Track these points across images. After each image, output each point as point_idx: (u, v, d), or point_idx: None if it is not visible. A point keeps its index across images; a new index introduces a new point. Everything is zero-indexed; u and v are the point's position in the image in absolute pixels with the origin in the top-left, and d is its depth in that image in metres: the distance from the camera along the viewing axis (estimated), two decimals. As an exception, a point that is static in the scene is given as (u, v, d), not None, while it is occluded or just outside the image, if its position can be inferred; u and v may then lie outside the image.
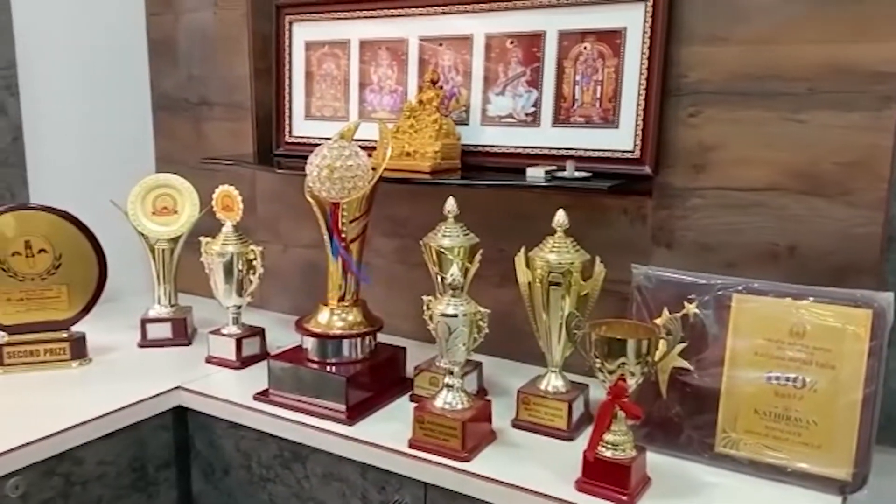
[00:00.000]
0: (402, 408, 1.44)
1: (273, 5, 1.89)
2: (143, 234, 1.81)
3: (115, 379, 1.59)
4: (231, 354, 1.67)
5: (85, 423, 1.39)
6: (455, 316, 1.25)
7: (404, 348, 1.59)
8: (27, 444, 1.30)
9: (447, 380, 1.31)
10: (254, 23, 1.92)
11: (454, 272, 1.27)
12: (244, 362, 1.67)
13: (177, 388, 1.55)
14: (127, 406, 1.46)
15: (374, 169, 1.44)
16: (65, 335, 1.64)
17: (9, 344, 1.61)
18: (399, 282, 1.81)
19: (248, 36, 1.92)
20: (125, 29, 2.12)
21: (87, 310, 1.67)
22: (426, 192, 1.60)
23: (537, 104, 1.57)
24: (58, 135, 1.96)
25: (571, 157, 1.49)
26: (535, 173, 1.46)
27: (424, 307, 1.31)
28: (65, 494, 1.38)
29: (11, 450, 1.28)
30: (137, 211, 1.81)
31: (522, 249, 1.37)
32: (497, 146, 1.62)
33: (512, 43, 1.59)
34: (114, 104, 2.10)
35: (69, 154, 1.99)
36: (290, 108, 1.91)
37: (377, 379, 1.49)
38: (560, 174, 1.46)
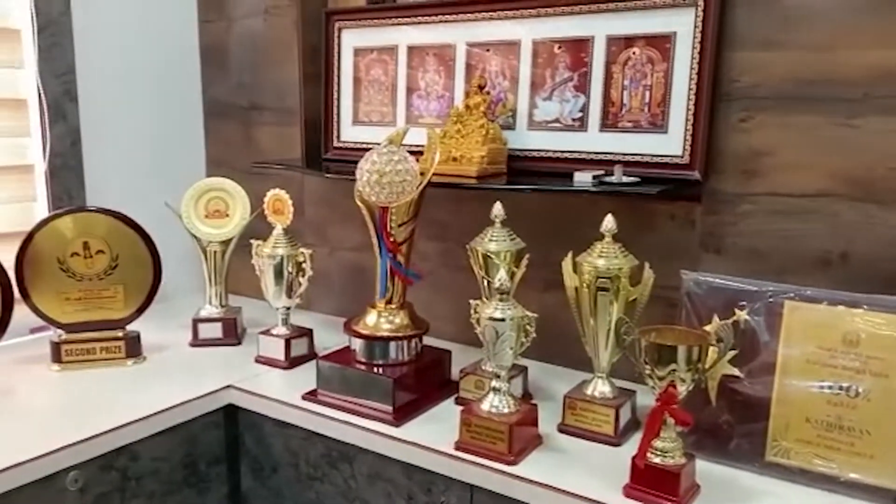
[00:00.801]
0: (448, 410, 1.46)
1: (322, 12, 1.92)
2: (195, 237, 1.85)
3: (169, 377, 1.63)
4: (280, 354, 1.69)
5: (141, 419, 1.43)
6: (503, 320, 1.26)
7: (449, 351, 1.60)
8: (86, 439, 1.35)
9: (494, 383, 1.32)
10: (304, 29, 1.95)
11: (502, 276, 1.28)
12: (292, 362, 1.69)
13: (227, 386, 1.58)
14: (180, 404, 1.50)
15: (422, 174, 1.45)
16: (120, 334, 1.69)
17: (66, 342, 1.66)
18: (443, 285, 1.83)
19: (298, 42, 1.95)
20: (179, 36, 2.17)
21: (141, 310, 1.72)
22: (471, 197, 1.61)
23: (584, 109, 1.57)
24: (114, 139, 2.02)
25: (619, 161, 1.49)
26: (583, 178, 1.46)
27: (472, 311, 1.32)
28: (121, 489, 1.42)
29: (72, 444, 1.33)
30: (191, 213, 1.85)
31: (570, 254, 1.37)
32: (544, 151, 1.62)
33: (559, 48, 1.60)
34: (167, 109, 2.15)
35: (124, 157, 2.05)
36: (339, 114, 1.93)
37: (423, 381, 1.50)
38: (608, 179, 1.46)
